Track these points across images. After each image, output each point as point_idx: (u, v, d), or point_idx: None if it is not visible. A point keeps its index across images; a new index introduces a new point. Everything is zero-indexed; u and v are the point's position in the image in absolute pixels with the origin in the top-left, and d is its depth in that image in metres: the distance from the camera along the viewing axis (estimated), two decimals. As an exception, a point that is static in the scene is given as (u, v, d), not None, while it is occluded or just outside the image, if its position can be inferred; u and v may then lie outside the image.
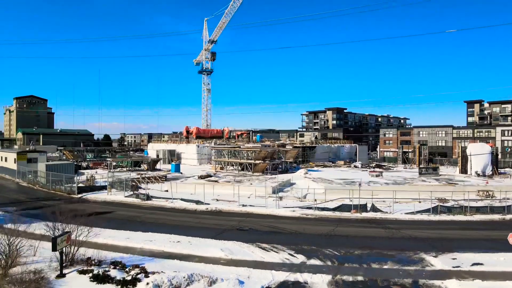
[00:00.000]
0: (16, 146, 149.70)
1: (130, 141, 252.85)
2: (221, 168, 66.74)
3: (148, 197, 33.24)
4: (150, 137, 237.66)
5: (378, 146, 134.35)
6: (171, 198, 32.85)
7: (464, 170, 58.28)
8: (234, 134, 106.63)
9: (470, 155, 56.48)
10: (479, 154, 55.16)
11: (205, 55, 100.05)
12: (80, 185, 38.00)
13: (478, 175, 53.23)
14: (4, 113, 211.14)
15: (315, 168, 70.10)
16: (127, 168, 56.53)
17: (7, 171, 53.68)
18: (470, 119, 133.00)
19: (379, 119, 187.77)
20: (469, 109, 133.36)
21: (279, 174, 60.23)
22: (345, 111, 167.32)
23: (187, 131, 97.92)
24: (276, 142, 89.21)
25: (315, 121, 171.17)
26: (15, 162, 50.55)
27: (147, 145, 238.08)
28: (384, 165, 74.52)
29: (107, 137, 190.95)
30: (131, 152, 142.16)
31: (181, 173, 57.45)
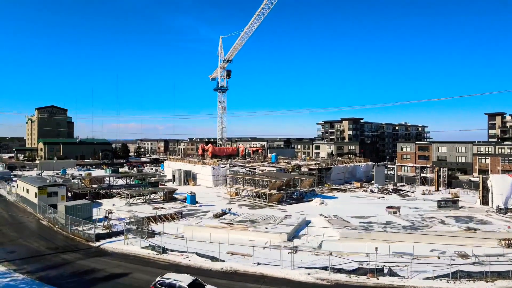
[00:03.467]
0: (37, 160, 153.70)
1: (146, 148, 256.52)
2: (236, 194, 66.92)
3: (164, 250, 33.50)
4: (167, 144, 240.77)
5: (395, 160, 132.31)
6: (186, 252, 33.03)
7: (485, 202, 56.87)
8: (249, 151, 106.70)
9: (491, 187, 55.01)
10: (500, 187, 53.68)
11: (220, 73, 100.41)
12: (98, 231, 38.59)
13: (500, 210, 51.75)
14: (26, 122, 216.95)
15: (331, 194, 69.56)
16: (144, 199, 57.13)
17: (29, 203, 55.15)
18: (492, 132, 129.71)
19: (396, 128, 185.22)
20: (490, 122, 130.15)
21: (294, 203, 60.12)
22: (361, 121, 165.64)
23: (203, 149, 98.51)
24: (292, 162, 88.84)
25: (330, 131, 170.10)
26: (36, 196, 51.86)
27: (163, 151, 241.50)
28: (401, 190, 73.24)
29: (124, 146, 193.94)
30: (148, 164, 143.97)
31: (197, 202, 57.78)
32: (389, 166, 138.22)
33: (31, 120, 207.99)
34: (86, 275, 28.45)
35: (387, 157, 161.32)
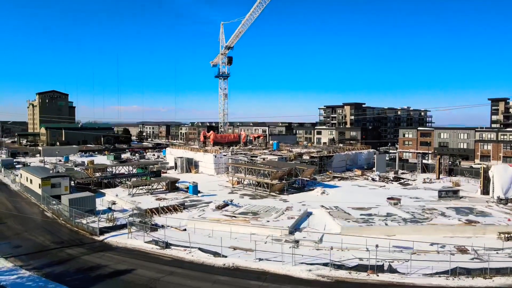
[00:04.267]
0: (40, 145, 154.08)
1: (148, 132, 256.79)
2: (238, 183, 67.34)
3: (167, 245, 33.99)
4: (168, 128, 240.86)
5: (397, 145, 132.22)
6: (189, 247, 33.52)
7: (486, 192, 57.13)
8: (251, 137, 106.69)
9: (493, 177, 55.12)
10: (501, 177, 53.80)
11: (221, 60, 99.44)
12: (101, 224, 39.09)
13: (500, 200, 52.00)
14: (28, 107, 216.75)
15: (332, 183, 69.90)
16: (147, 189, 57.57)
17: (33, 193, 55.72)
18: (494, 117, 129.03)
19: (399, 112, 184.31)
20: (493, 107, 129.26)
21: (296, 193, 60.52)
22: (363, 106, 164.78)
23: (204, 136, 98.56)
24: (294, 150, 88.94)
25: (332, 115, 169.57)
26: (39, 187, 52.36)
27: (165, 136, 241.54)
28: (402, 179, 73.48)
29: (126, 131, 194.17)
30: (150, 150, 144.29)
31: (199, 192, 58.19)
32: (390, 151, 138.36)
33: (32, 105, 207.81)
34: (91, 271, 28.99)
35: (389, 143, 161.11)
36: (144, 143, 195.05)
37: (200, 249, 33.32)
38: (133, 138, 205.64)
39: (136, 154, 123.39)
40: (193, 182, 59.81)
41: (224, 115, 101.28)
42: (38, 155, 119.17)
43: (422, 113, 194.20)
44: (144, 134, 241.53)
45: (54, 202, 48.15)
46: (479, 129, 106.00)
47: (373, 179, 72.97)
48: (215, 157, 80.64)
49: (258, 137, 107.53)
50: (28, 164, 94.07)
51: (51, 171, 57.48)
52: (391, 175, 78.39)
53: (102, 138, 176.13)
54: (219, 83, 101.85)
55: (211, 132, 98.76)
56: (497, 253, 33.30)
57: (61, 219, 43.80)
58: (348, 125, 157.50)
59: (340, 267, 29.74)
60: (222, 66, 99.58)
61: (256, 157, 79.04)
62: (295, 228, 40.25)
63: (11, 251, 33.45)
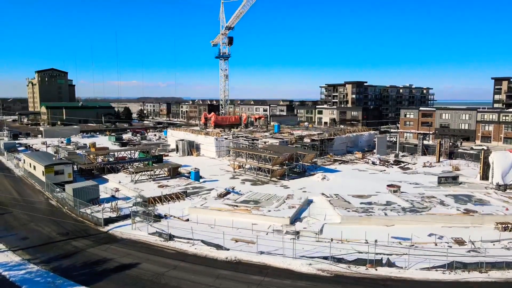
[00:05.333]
0: (41, 125, 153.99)
1: (149, 110, 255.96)
2: (239, 167, 67.88)
3: (171, 237, 34.74)
4: (169, 106, 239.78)
5: (398, 125, 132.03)
6: (192, 239, 34.26)
7: (485, 177, 57.62)
8: (252, 119, 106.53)
9: (492, 163, 55.48)
10: (501, 163, 54.15)
11: (221, 40, 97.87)
12: (106, 214, 39.78)
13: (499, 186, 52.54)
14: (27, 85, 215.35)
15: (333, 167, 70.36)
16: (149, 175, 58.13)
17: (37, 179, 56.42)
18: (497, 96, 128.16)
19: (401, 91, 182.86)
20: (496, 87, 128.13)
21: (296, 178, 61.12)
22: (365, 84, 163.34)
23: (206, 118, 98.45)
24: (294, 132, 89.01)
25: (334, 94, 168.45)
26: (43, 175, 52.92)
27: (166, 114, 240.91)
28: (403, 162, 73.91)
29: (127, 109, 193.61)
30: (151, 130, 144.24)
31: (201, 178, 58.79)
32: (391, 131, 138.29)
33: (32, 83, 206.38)
34: (97, 265, 29.81)
35: (389, 123, 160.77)
36: (145, 122, 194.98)
37: (203, 241, 34.07)
38: (134, 116, 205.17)
39: (138, 135, 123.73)
40: (195, 168, 60.33)
41: (225, 96, 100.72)
42: (40, 136, 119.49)
43: (425, 91, 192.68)
44: (145, 112, 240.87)
45: (58, 189, 48.81)
46: (481, 110, 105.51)
47: (373, 163, 73.41)
48: (217, 140, 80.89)
49: (259, 118, 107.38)
50: (31, 146, 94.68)
51: (54, 158, 57.75)
52: (391, 158, 78.77)
53: (103, 117, 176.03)
54: (219, 64, 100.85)
55: (212, 114, 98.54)
56: (493, 245, 34.02)
57: (65, 208, 44.54)
58: (349, 104, 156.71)
59: (339, 260, 30.50)
60: (223, 46, 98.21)
61: (257, 140, 79.22)
62: (296, 218, 40.99)
63: (18, 243, 34.27)
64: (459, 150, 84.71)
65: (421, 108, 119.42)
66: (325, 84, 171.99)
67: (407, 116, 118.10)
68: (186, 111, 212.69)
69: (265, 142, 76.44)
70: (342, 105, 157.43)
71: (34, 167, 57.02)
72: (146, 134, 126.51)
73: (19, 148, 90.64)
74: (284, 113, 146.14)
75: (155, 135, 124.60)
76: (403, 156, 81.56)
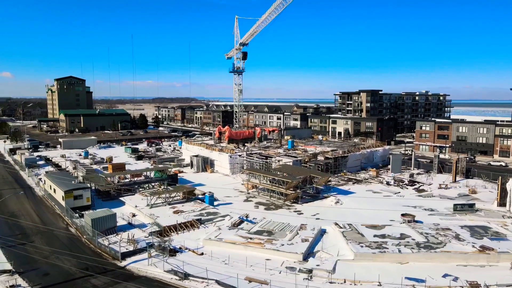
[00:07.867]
0: (60, 132, 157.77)
1: (164, 115, 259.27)
2: (253, 187, 68.50)
3: (186, 276, 35.57)
4: (184, 112, 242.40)
5: (413, 134, 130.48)
6: (206, 279, 35.01)
7: (502, 204, 56.87)
8: (266, 132, 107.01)
9: (510, 191, 54.70)
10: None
11: (235, 54, 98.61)
12: (123, 247, 40.90)
13: (517, 215, 51.77)
14: (47, 92, 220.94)
15: (346, 187, 70.28)
16: (164, 198, 59.21)
17: (56, 202, 58.29)
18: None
19: (417, 98, 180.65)
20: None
21: (310, 201, 61.39)
22: (379, 92, 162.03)
23: (220, 132, 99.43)
24: (308, 148, 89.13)
25: (348, 102, 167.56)
26: (63, 199, 54.59)
27: (180, 119, 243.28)
28: (418, 182, 73.30)
29: (142, 116, 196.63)
30: (166, 139, 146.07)
31: (215, 200, 59.62)
32: (406, 140, 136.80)
33: (51, 90, 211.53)
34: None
35: (405, 130, 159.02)
36: (160, 128, 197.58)
37: (217, 281, 34.75)
38: (149, 123, 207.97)
39: (153, 145, 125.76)
40: (209, 192, 61.14)
41: (240, 111, 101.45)
42: (59, 146, 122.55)
43: (441, 97, 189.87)
44: (160, 117, 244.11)
45: (77, 215, 50.41)
46: (499, 123, 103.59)
47: (387, 183, 73.01)
48: (231, 157, 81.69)
49: (273, 131, 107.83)
50: (50, 159, 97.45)
51: (73, 181, 59.45)
52: (406, 176, 78.18)
53: (119, 124, 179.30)
54: (233, 78, 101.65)
55: (227, 127, 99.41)
56: (510, 290, 33.71)
57: (84, 237, 45.90)
58: (364, 113, 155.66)
59: (352, 308, 30.73)
60: (237, 61, 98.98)
61: (271, 157, 79.67)
62: (309, 252, 41.34)
63: (39, 280, 35.58)
64: (476, 166, 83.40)
65: (437, 120, 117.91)
66: (339, 92, 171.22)
67: (423, 128, 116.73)
68: (200, 117, 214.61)
69: (278, 161, 76.85)
70: (357, 114, 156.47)
71: (54, 190, 58.82)
72: (161, 144, 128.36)
73: (40, 162, 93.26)
74: (298, 124, 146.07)
75: (169, 145, 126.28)
76: (418, 174, 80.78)
